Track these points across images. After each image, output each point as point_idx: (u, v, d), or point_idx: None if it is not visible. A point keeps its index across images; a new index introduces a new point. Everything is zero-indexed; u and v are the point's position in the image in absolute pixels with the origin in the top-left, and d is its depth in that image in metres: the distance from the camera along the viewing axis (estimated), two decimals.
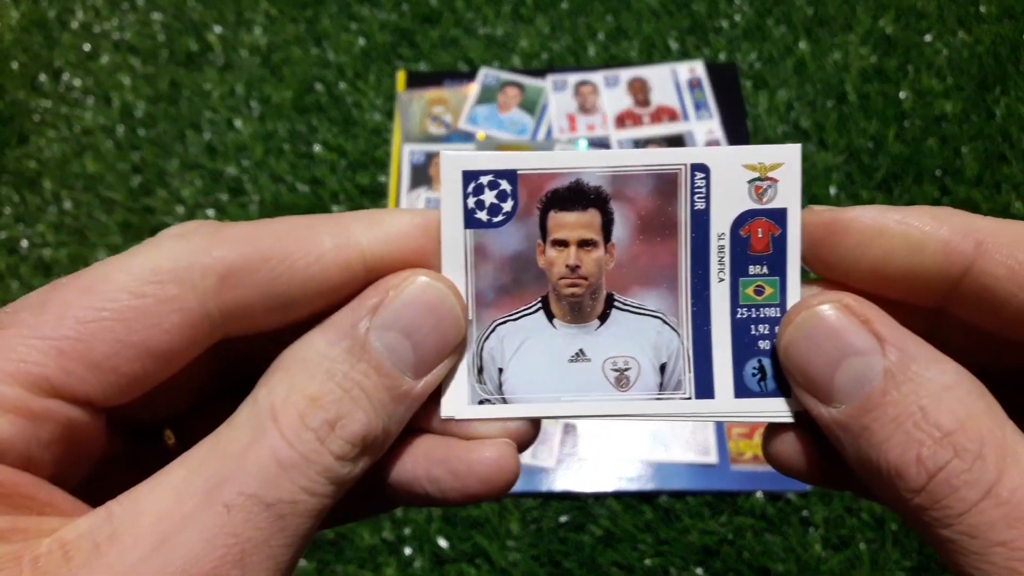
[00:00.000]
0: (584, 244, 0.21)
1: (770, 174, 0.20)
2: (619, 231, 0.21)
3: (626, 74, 0.87)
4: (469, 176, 0.21)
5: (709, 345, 0.21)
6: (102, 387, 0.18)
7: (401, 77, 0.88)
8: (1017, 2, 0.89)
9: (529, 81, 0.87)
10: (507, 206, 0.21)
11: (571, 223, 0.21)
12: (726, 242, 0.20)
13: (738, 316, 0.21)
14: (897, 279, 0.19)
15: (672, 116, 0.85)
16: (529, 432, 0.21)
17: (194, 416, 0.23)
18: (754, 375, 0.21)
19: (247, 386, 0.21)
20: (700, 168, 0.20)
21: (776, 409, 0.21)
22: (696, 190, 0.20)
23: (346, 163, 0.83)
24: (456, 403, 0.21)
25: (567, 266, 0.21)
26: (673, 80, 0.87)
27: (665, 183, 0.20)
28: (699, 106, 0.86)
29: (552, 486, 0.66)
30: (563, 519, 0.66)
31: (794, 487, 0.66)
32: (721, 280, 0.21)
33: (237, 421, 0.18)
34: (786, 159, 0.20)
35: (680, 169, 0.20)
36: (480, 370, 0.21)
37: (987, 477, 0.16)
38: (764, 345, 0.21)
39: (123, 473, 0.20)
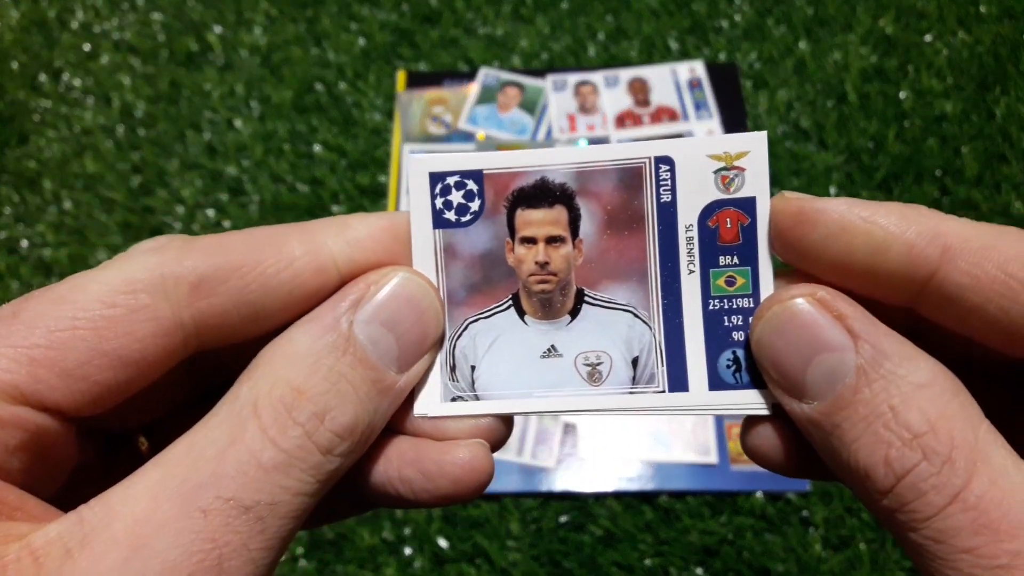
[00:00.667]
0: (552, 240, 0.21)
1: (736, 163, 0.20)
2: (587, 226, 0.21)
3: (626, 74, 0.87)
4: (436, 177, 0.21)
5: (682, 338, 0.21)
6: (73, 395, 0.18)
7: (401, 77, 0.88)
8: (1017, 2, 0.89)
9: (529, 81, 0.87)
10: (474, 205, 0.21)
11: (538, 220, 0.21)
12: (694, 234, 0.20)
13: (710, 308, 0.20)
14: (861, 277, 0.19)
15: (672, 116, 0.85)
16: (501, 430, 0.21)
17: (168, 423, 0.22)
18: (729, 367, 0.21)
19: (222, 393, 0.21)
20: (664, 160, 0.20)
21: (751, 401, 0.20)
22: (662, 183, 0.20)
23: (346, 163, 0.83)
24: (429, 400, 0.21)
25: (536, 263, 0.21)
26: (673, 80, 0.87)
27: (630, 177, 0.20)
28: (699, 106, 0.86)
29: (552, 486, 0.66)
30: (563, 519, 0.66)
31: (794, 487, 0.66)
32: (691, 272, 0.20)
33: (214, 421, 0.17)
34: (752, 147, 0.20)
35: (644, 162, 0.20)
36: (453, 368, 0.21)
37: (955, 481, 0.16)
38: (738, 336, 0.20)
39: (96, 481, 0.20)
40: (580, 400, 0.21)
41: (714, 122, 0.85)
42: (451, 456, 0.20)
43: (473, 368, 0.21)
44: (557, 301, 0.21)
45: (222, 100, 0.86)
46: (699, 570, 0.64)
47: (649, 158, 0.20)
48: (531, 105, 0.86)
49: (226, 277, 0.19)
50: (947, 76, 0.85)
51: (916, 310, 0.19)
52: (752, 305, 0.20)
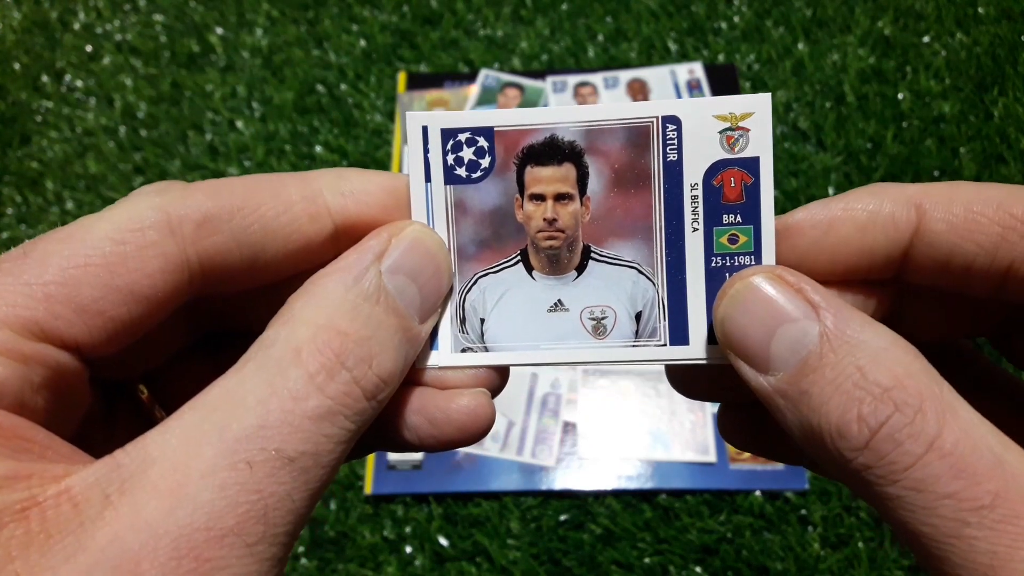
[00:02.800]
0: (560, 198, 0.21)
1: (741, 124, 0.21)
2: (594, 184, 0.21)
3: (625, 75, 0.87)
4: (448, 134, 0.21)
5: (684, 293, 0.21)
6: (90, 331, 0.18)
7: (402, 78, 0.88)
8: (1015, 3, 0.90)
9: (529, 82, 0.87)
10: (485, 162, 0.21)
11: (547, 177, 0.21)
12: (699, 192, 0.21)
13: (712, 265, 0.21)
14: (855, 261, 0.20)
15: None
16: (498, 380, 0.22)
17: (165, 373, 0.23)
18: None
19: (219, 345, 0.21)
20: (671, 120, 0.21)
21: None
22: (668, 142, 0.21)
23: (347, 164, 0.83)
24: (441, 351, 0.22)
25: (544, 220, 0.22)
26: (672, 81, 0.87)
27: (637, 136, 0.21)
28: None
29: (552, 485, 0.67)
30: (563, 518, 0.66)
31: (793, 486, 0.66)
32: (695, 230, 0.21)
33: (251, 367, 0.17)
34: (756, 108, 0.20)
35: (652, 121, 0.21)
36: (463, 320, 0.22)
37: (929, 430, 0.16)
38: None
39: (99, 430, 0.20)
40: (584, 352, 0.22)
41: None
42: (456, 404, 0.21)
43: (483, 321, 0.22)
44: (564, 257, 0.22)
45: (224, 101, 0.87)
46: (698, 568, 0.64)
47: (656, 117, 0.21)
48: (531, 106, 0.86)
49: (228, 217, 0.19)
50: (945, 77, 0.86)
51: (905, 278, 0.20)
52: (754, 263, 0.21)
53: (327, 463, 0.17)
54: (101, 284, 0.18)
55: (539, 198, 0.21)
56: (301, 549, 0.65)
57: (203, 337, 0.23)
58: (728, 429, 0.23)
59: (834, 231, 0.20)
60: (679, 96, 0.86)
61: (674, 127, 0.21)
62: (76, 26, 0.93)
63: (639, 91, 0.87)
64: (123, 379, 0.22)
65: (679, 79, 0.87)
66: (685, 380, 0.23)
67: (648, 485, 0.66)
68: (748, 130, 0.21)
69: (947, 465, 0.16)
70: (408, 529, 0.65)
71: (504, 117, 0.21)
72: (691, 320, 0.21)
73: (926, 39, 0.89)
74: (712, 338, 0.21)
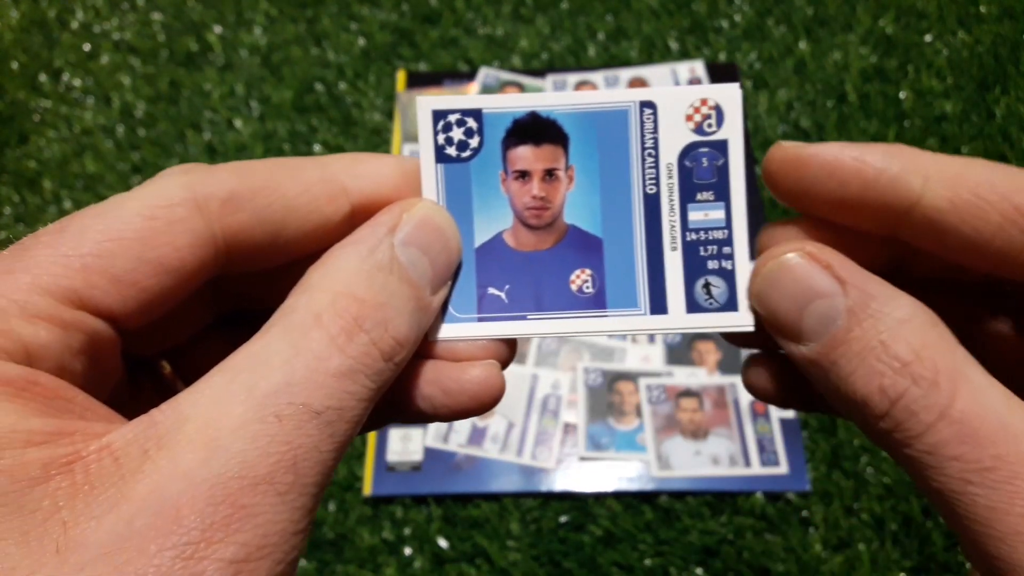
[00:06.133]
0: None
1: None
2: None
3: (626, 74, 0.87)
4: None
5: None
6: (124, 301, 0.19)
7: (401, 77, 0.88)
8: (1017, 2, 0.89)
9: (529, 81, 0.87)
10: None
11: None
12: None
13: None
14: (851, 209, 0.21)
15: None
16: (506, 351, 0.23)
17: (185, 352, 0.24)
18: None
19: (239, 325, 0.23)
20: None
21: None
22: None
23: None
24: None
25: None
26: (673, 80, 0.87)
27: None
28: None
29: (552, 486, 0.66)
30: (563, 519, 0.66)
31: (794, 488, 0.66)
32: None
33: (274, 332, 0.18)
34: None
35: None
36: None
37: (941, 401, 0.18)
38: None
39: (125, 403, 0.21)
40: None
41: None
42: (469, 375, 0.22)
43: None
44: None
45: (222, 100, 0.86)
46: (699, 570, 0.64)
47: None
48: None
49: (251, 195, 0.20)
50: (947, 76, 0.85)
51: (899, 236, 0.21)
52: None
53: (351, 418, 0.18)
54: (134, 256, 0.19)
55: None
56: None
57: (222, 317, 0.24)
58: (755, 382, 0.24)
59: (839, 174, 0.21)
60: None
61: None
62: (74, 25, 0.92)
63: None
64: (147, 356, 0.23)
65: (680, 78, 0.87)
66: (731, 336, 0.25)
67: (649, 486, 0.66)
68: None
69: (954, 432, 0.18)
70: (407, 531, 0.65)
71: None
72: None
73: (928, 38, 0.88)
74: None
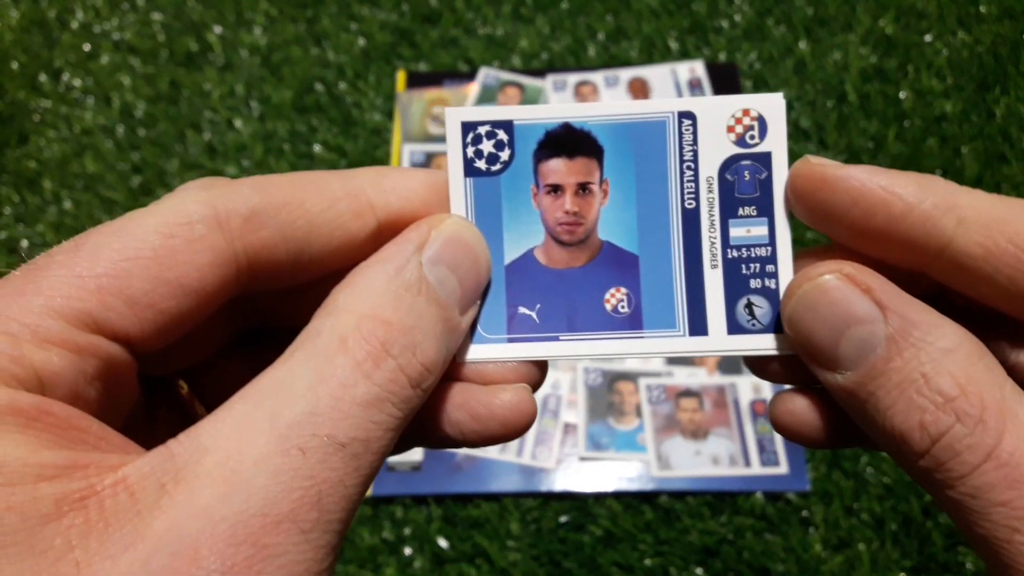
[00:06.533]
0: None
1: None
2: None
3: (626, 74, 0.87)
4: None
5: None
6: (141, 324, 0.18)
7: (401, 77, 0.88)
8: (1017, 2, 0.89)
9: (529, 81, 0.87)
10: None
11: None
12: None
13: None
14: (877, 242, 0.20)
15: None
16: (537, 374, 0.22)
17: (204, 371, 0.23)
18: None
19: (260, 343, 0.21)
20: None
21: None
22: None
23: (346, 163, 0.83)
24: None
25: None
26: (673, 80, 0.87)
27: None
28: None
29: (552, 486, 0.66)
30: (563, 519, 0.66)
31: (794, 488, 0.66)
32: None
33: (299, 356, 0.17)
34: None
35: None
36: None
37: (987, 441, 0.17)
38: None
39: (141, 425, 0.20)
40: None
41: None
42: (499, 399, 0.21)
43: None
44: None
45: (222, 100, 0.86)
46: (699, 570, 0.64)
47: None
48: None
49: (275, 212, 0.19)
50: (947, 76, 0.85)
51: (928, 274, 0.20)
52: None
53: (376, 449, 0.17)
54: (151, 277, 0.18)
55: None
56: None
57: (243, 335, 0.23)
58: (784, 420, 0.22)
59: (865, 204, 0.19)
60: (680, 95, 0.86)
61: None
62: (74, 25, 0.92)
63: (640, 90, 0.86)
64: (164, 375, 0.22)
65: (680, 78, 0.87)
66: (755, 363, 0.23)
67: (649, 486, 0.66)
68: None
69: (1002, 475, 0.16)
70: (407, 531, 0.65)
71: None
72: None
73: (928, 38, 0.88)
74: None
